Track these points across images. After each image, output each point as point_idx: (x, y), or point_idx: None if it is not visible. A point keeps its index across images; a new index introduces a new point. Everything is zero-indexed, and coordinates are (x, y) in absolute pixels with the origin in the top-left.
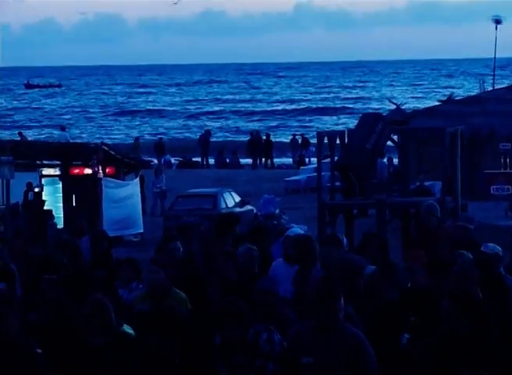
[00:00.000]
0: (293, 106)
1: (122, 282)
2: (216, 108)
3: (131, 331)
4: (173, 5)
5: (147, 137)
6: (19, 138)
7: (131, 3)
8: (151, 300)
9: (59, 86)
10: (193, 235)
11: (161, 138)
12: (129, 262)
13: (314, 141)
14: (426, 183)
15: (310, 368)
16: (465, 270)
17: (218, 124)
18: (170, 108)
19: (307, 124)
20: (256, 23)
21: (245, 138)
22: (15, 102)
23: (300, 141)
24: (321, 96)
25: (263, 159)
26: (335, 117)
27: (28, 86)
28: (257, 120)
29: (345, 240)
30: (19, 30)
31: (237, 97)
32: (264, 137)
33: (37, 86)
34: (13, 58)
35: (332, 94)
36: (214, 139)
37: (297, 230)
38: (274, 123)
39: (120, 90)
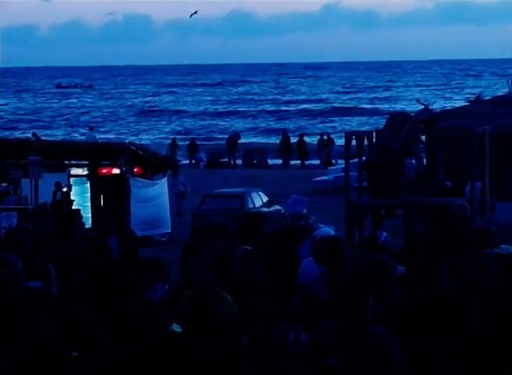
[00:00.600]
0: (320, 106)
1: (147, 282)
2: (243, 109)
3: (179, 330)
4: (195, 13)
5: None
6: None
7: (159, 4)
8: (197, 301)
9: (90, 87)
10: (220, 235)
11: (193, 138)
12: (154, 263)
13: (341, 141)
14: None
15: (336, 369)
16: (485, 268)
17: (245, 124)
18: (197, 109)
19: (334, 124)
20: (283, 24)
21: (267, 139)
22: (44, 102)
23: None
24: (348, 96)
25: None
26: (362, 117)
27: (59, 86)
28: (283, 120)
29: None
30: (47, 30)
31: (263, 97)
32: (296, 138)
33: (69, 87)
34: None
35: (359, 94)
36: (242, 140)
37: (327, 230)
38: (302, 123)
39: (148, 90)
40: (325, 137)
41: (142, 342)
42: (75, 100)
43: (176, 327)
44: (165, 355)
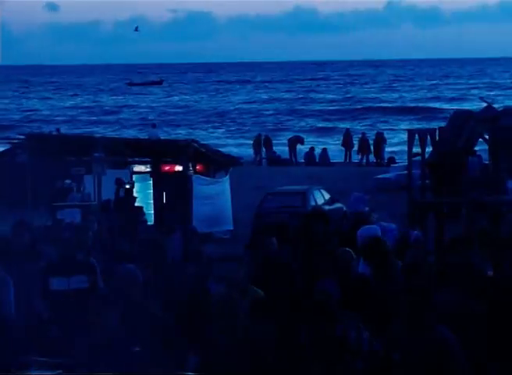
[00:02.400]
0: (379, 104)
1: (214, 278)
2: (309, 106)
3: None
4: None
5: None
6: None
7: (221, 1)
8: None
9: (160, 83)
10: (282, 233)
11: (266, 135)
12: (221, 259)
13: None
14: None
15: (399, 365)
16: None
17: (311, 122)
18: (261, 106)
19: (394, 122)
20: (346, 21)
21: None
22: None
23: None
24: (409, 94)
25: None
26: (421, 115)
27: (131, 84)
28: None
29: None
30: (111, 27)
31: (329, 96)
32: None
33: (140, 84)
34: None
35: (420, 93)
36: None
37: (373, 227)
38: (366, 122)
39: (210, 87)
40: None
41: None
42: (151, 96)
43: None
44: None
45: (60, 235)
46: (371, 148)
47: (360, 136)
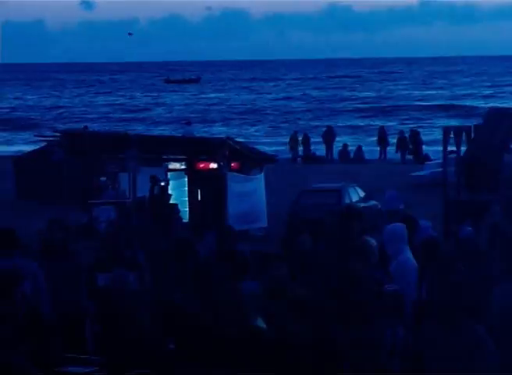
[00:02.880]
0: (413, 102)
1: (250, 276)
2: (343, 104)
3: (264, 325)
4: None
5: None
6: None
7: None
8: (270, 295)
9: (197, 80)
10: (317, 230)
11: (305, 133)
12: (254, 256)
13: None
14: None
15: (434, 364)
16: None
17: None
18: (295, 103)
19: (429, 120)
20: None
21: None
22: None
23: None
24: (444, 92)
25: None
26: (456, 113)
27: (168, 81)
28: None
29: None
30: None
31: (363, 93)
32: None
33: (177, 81)
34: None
35: (455, 90)
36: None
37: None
38: (398, 120)
39: (245, 84)
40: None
41: (225, 335)
42: (187, 94)
43: (261, 322)
44: (247, 349)
45: (95, 232)
46: (410, 145)
47: (398, 134)
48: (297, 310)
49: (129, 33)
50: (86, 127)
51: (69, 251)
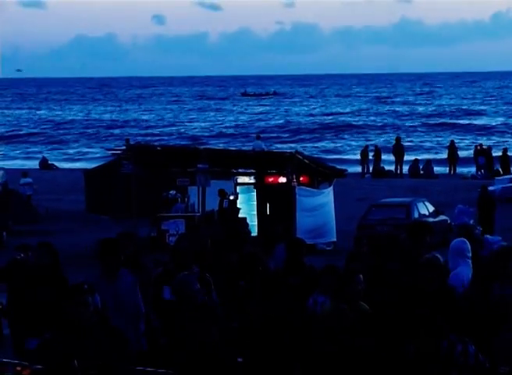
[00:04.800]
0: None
1: (322, 289)
2: (413, 119)
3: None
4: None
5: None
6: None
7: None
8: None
9: (274, 94)
10: (385, 245)
11: (376, 146)
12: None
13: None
14: None
15: None
16: None
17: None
18: (366, 118)
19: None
20: (453, 32)
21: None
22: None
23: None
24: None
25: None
26: None
27: (245, 94)
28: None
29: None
30: (217, 39)
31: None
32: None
33: (254, 95)
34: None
35: None
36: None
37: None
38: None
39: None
40: (478, 147)
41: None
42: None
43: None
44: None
45: (164, 245)
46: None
47: (475, 148)
48: (364, 324)
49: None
50: (127, 141)
51: (141, 264)
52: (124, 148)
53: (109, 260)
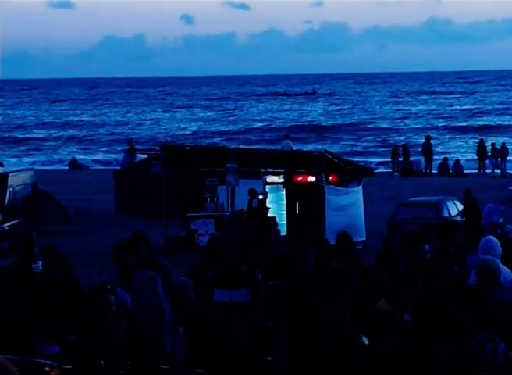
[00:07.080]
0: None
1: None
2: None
3: (367, 342)
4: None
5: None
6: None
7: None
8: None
9: (313, 93)
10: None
11: (404, 145)
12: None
13: None
14: None
15: None
16: None
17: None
18: (395, 115)
19: None
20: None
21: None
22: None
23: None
24: None
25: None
26: None
27: (284, 94)
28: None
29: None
30: (245, 38)
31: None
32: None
33: (293, 94)
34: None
35: None
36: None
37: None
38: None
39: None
40: (498, 146)
41: (327, 351)
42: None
43: (365, 339)
44: (349, 367)
45: (194, 245)
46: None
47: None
48: (387, 324)
49: None
50: (130, 140)
51: (157, 264)
52: (154, 147)
53: (123, 262)
